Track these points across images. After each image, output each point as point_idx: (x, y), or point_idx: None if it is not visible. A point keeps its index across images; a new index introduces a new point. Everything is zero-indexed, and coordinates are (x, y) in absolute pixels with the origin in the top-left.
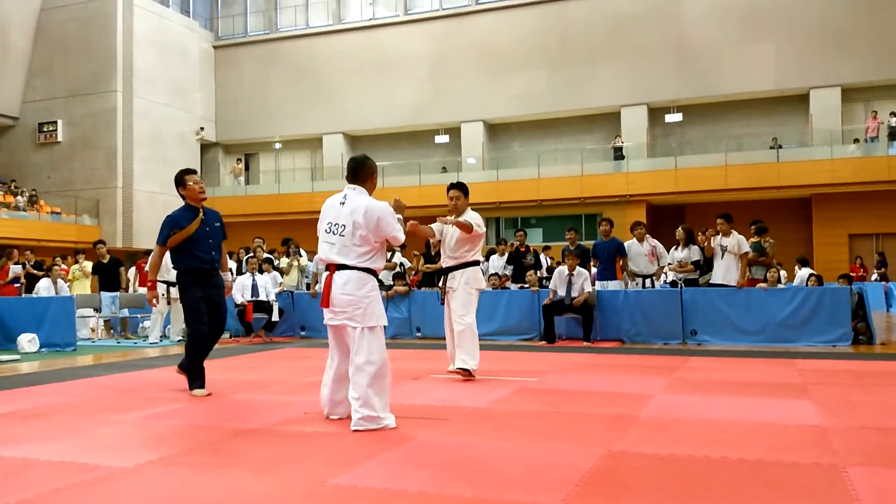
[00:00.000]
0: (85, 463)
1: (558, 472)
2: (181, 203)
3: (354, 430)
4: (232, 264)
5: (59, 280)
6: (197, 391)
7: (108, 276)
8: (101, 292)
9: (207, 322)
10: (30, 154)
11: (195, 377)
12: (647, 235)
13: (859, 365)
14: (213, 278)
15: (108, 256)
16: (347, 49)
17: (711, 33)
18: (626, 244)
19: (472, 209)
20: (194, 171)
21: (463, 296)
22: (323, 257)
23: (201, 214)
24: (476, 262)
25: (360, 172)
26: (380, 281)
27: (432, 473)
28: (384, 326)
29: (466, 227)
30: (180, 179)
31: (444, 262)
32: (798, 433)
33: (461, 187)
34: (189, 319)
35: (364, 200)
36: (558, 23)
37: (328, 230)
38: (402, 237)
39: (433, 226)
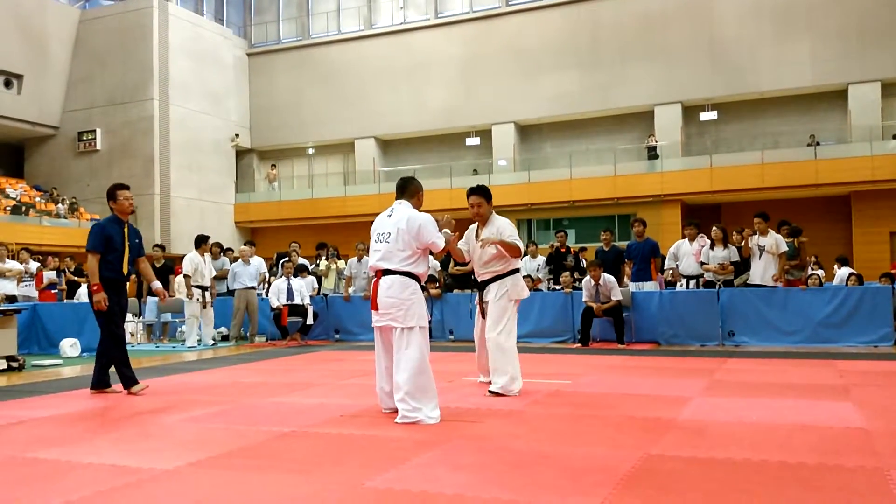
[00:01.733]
0: (126, 465)
1: (595, 475)
2: (216, 209)
3: (397, 423)
4: (265, 268)
5: None
6: (135, 387)
7: (159, 280)
8: (150, 297)
9: (122, 328)
10: (70, 162)
11: (99, 378)
12: (700, 235)
13: None
14: (123, 289)
15: (162, 261)
16: (379, 54)
17: (745, 29)
18: (676, 244)
19: (504, 212)
20: (127, 187)
21: (497, 309)
22: (372, 264)
23: (126, 229)
24: (516, 270)
25: (407, 188)
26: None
27: (468, 476)
28: (424, 327)
29: (513, 250)
30: (112, 193)
31: (479, 276)
32: (840, 436)
33: (482, 192)
34: (106, 324)
35: (408, 211)
36: (589, 23)
37: (377, 240)
38: (441, 244)
39: (460, 244)
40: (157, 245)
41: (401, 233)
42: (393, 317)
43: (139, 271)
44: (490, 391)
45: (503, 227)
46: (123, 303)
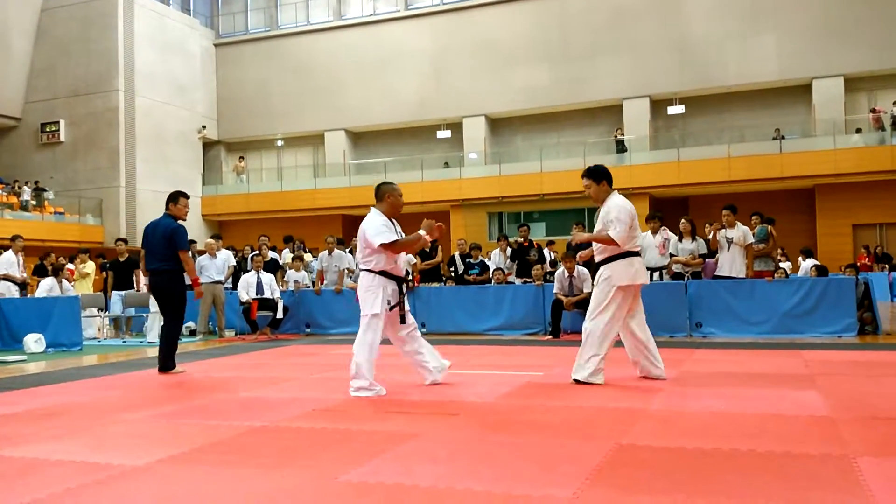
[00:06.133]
0: (96, 462)
1: (568, 465)
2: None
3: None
4: (233, 261)
5: (64, 281)
6: (178, 369)
7: (122, 274)
8: (113, 291)
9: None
10: (32, 154)
11: (172, 361)
12: (663, 227)
13: (866, 355)
14: None
15: (126, 255)
16: (348, 45)
17: (713, 24)
18: (639, 236)
19: (475, 205)
20: (188, 196)
21: (597, 295)
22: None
23: None
24: (628, 254)
25: (376, 194)
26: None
27: (443, 469)
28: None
29: (605, 241)
30: (175, 197)
31: (596, 255)
32: (807, 424)
33: (589, 173)
34: (181, 314)
35: (367, 218)
36: (559, 16)
37: None
38: (376, 242)
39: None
40: (119, 239)
41: (359, 238)
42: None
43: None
44: (574, 379)
45: (610, 209)
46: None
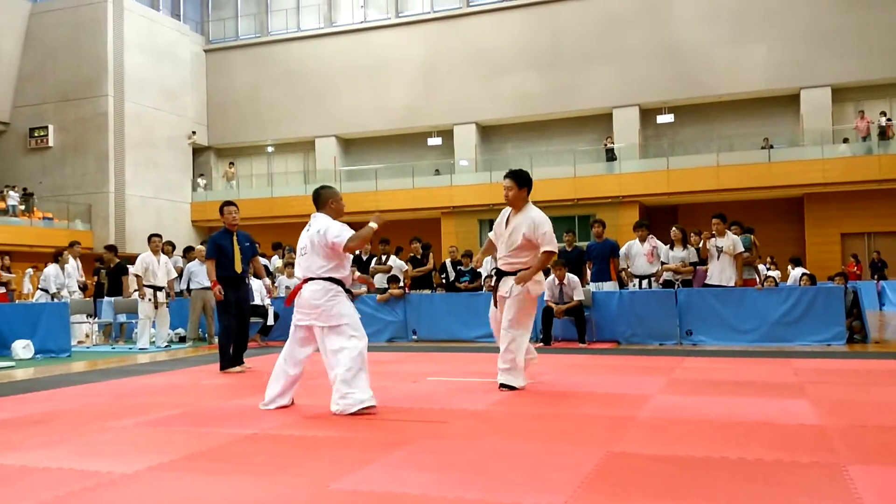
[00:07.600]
0: (84, 469)
1: (560, 473)
2: (172, 207)
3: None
4: None
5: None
6: (232, 370)
7: (111, 280)
8: (104, 297)
9: (235, 318)
10: (21, 159)
11: (226, 361)
12: (650, 236)
13: (854, 364)
14: (241, 284)
15: (115, 261)
16: (339, 52)
17: (702, 34)
18: (627, 244)
19: (466, 212)
20: (233, 204)
21: (514, 304)
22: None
23: (234, 236)
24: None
25: (318, 200)
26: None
27: (433, 476)
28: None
29: (544, 265)
30: (220, 209)
31: (501, 264)
32: (797, 432)
33: (514, 175)
34: (220, 316)
35: (320, 222)
36: (549, 24)
37: (299, 254)
38: (341, 241)
39: (495, 225)
40: (107, 246)
41: (314, 245)
42: (316, 317)
43: (254, 268)
44: (501, 384)
45: (538, 223)
46: (242, 295)
